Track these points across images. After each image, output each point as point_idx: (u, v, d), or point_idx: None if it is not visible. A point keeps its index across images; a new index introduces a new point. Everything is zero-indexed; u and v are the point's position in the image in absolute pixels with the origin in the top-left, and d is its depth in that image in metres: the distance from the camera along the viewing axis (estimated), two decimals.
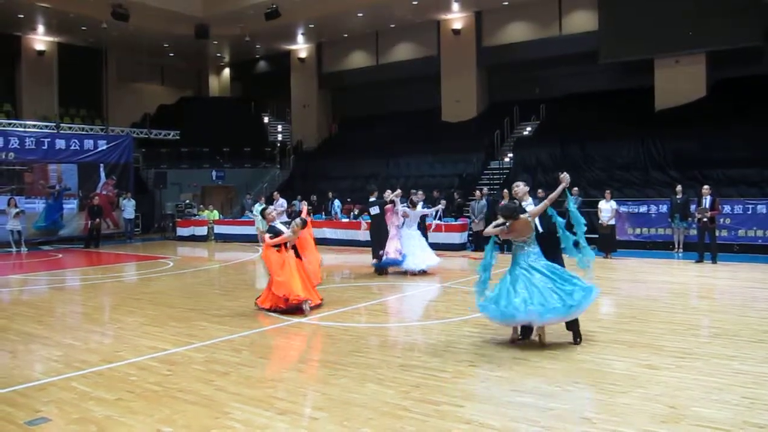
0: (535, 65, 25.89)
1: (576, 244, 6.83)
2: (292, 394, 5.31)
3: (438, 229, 16.07)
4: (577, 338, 6.77)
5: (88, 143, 22.95)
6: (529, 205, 6.88)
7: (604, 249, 15.25)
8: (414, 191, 14.10)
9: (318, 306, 8.95)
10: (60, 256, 18.16)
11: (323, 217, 20.71)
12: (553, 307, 6.36)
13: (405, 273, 12.61)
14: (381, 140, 27.24)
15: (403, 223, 12.90)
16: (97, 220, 20.81)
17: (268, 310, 8.74)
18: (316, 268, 9.40)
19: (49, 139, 21.97)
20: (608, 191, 15.74)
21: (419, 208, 13.46)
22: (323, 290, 10.67)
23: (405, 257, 12.60)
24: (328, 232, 19.50)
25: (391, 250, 12.60)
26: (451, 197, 19.54)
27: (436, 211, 14.91)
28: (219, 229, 22.46)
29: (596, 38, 22.96)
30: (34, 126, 23.53)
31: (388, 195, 12.84)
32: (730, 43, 20.39)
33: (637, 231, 16.70)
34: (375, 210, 12.82)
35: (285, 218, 19.70)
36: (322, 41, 31.13)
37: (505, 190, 17.35)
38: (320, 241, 18.82)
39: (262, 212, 10.55)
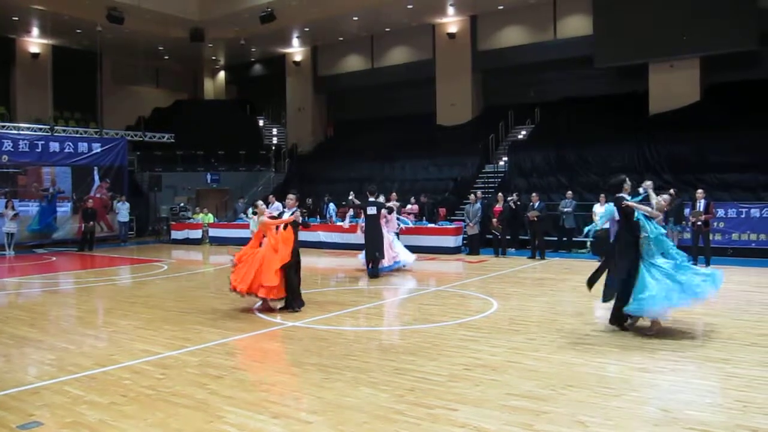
0: (530, 69, 25.95)
1: None
2: (286, 397, 5.31)
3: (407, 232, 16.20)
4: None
5: (83, 146, 22.90)
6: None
7: (598, 253, 15.28)
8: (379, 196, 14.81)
9: (267, 306, 9.15)
10: (54, 259, 18.11)
11: (318, 220, 20.68)
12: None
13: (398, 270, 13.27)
14: (376, 144, 27.27)
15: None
16: (91, 223, 20.75)
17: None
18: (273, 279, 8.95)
19: (43, 142, 21.91)
20: (602, 195, 15.76)
21: (394, 215, 14.22)
22: (320, 293, 10.67)
23: (399, 262, 13.31)
24: (323, 236, 19.47)
25: (390, 256, 13.18)
26: (422, 201, 19.71)
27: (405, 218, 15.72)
28: (213, 232, 22.41)
29: (591, 42, 22.99)
30: (28, 129, 23.46)
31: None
32: (725, 47, 20.45)
33: None
34: (372, 210, 12.90)
35: None
36: (317, 45, 31.15)
37: (500, 194, 17.41)
38: (315, 245, 18.89)
39: (254, 207, 10.70)
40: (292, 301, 9.12)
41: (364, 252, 13.27)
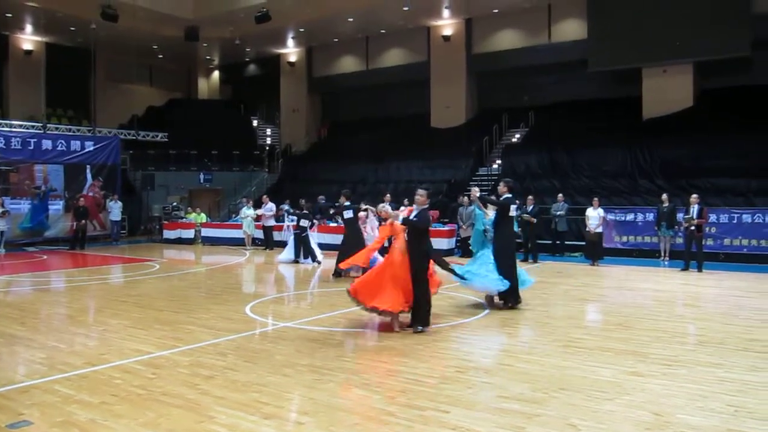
0: (524, 73, 26.01)
1: None
2: (278, 398, 5.28)
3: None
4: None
5: (75, 144, 22.77)
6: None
7: (591, 256, 15.32)
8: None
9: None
10: (45, 257, 18.00)
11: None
12: None
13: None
14: (370, 145, 27.25)
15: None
16: (83, 221, 20.63)
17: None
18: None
19: (35, 140, 21.76)
20: (596, 199, 15.80)
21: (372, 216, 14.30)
22: (312, 294, 10.65)
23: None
24: (316, 236, 19.39)
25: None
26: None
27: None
28: (206, 232, 22.34)
29: (585, 47, 23.08)
30: (21, 126, 23.31)
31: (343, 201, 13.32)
32: (718, 53, 20.54)
33: (624, 239, 16.78)
34: (348, 214, 12.96)
35: (273, 222, 19.77)
36: (312, 45, 31.12)
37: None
38: None
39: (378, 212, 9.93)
40: (424, 317, 7.84)
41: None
